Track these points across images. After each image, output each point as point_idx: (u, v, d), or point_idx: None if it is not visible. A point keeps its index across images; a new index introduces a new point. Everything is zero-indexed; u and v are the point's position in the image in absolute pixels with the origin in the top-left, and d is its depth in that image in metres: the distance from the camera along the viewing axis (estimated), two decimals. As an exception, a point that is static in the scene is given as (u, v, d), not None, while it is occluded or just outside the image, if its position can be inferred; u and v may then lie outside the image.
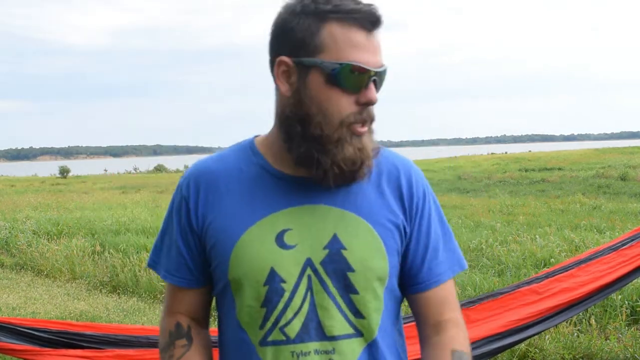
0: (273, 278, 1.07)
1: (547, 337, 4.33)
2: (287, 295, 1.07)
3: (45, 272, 7.92)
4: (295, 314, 1.07)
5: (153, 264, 1.23)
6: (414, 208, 1.14)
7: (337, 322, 1.08)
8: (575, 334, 4.45)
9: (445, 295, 1.18)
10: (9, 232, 10.13)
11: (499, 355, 4.27)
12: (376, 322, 1.10)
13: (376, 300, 1.10)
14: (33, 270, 8.16)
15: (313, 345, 1.07)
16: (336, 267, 1.07)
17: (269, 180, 1.12)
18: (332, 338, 1.07)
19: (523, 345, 4.22)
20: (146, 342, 2.32)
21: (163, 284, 6.71)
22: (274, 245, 1.08)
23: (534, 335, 2.82)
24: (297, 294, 1.07)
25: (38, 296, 6.82)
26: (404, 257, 1.16)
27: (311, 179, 1.09)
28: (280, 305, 1.07)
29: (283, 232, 1.08)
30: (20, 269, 8.32)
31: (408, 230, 1.14)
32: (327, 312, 1.07)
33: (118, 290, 6.90)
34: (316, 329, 1.07)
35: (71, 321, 2.33)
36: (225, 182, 1.13)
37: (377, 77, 1.04)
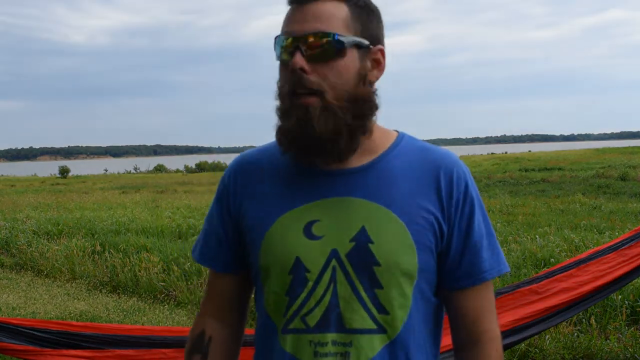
0: (298, 267, 1.08)
1: (547, 337, 4.33)
2: (310, 284, 1.08)
3: (45, 272, 7.92)
4: (317, 304, 1.08)
5: (195, 254, 1.29)
6: (453, 205, 1.10)
7: (359, 315, 1.07)
8: (575, 334, 4.45)
9: (484, 302, 1.14)
10: (9, 232, 10.13)
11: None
12: (401, 319, 1.08)
13: (402, 297, 1.07)
14: (33, 270, 8.16)
15: (331, 336, 1.07)
16: (362, 260, 1.06)
17: (303, 172, 1.13)
18: (352, 331, 1.07)
19: (523, 345, 4.22)
20: (145, 343, 2.32)
21: (163, 283, 6.71)
22: (301, 235, 1.09)
23: (533, 335, 2.82)
24: (320, 284, 1.08)
25: (38, 296, 6.82)
26: (445, 256, 1.12)
27: (344, 172, 1.10)
28: (303, 295, 1.08)
29: (311, 223, 1.09)
30: (20, 269, 8.32)
31: (445, 228, 1.10)
32: (349, 304, 1.07)
33: (118, 290, 6.91)
34: (336, 321, 1.07)
35: (71, 321, 2.32)
36: (263, 173, 1.17)
37: (299, 43, 1.04)
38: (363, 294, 1.07)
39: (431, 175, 1.10)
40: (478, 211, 1.12)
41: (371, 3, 1.13)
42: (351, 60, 1.06)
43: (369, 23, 1.10)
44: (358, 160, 1.11)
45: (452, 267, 1.12)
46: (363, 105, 1.08)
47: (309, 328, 1.08)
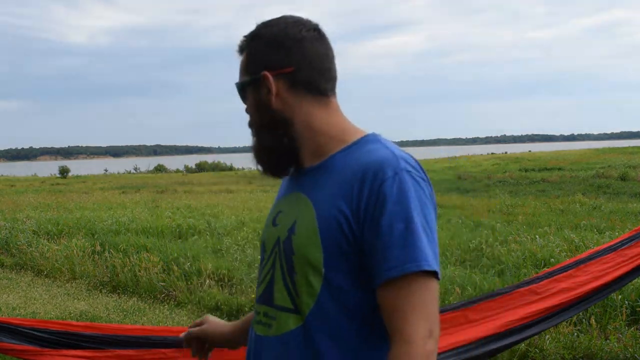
0: (263, 249, 1.34)
1: (547, 337, 4.33)
2: (264, 264, 1.32)
3: (45, 272, 7.91)
4: (263, 280, 1.31)
5: None
6: (363, 206, 1.15)
7: (282, 295, 1.24)
8: (575, 334, 4.45)
9: (398, 300, 1.11)
10: (9, 232, 10.12)
11: (498, 355, 4.27)
12: (307, 304, 1.20)
13: (308, 285, 1.19)
14: (33, 270, 8.16)
15: (264, 308, 1.29)
16: (287, 249, 1.24)
17: (295, 171, 1.35)
18: (276, 307, 1.25)
19: (523, 345, 4.22)
20: (145, 342, 2.31)
21: (163, 283, 6.71)
22: (270, 223, 1.34)
23: (533, 335, 2.82)
24: (267, 265, 1.30)
25: (38, 296, 6.81)
26: (362, 255, 1.16)
27: (304, 171, 1.30)
28: (260, 272, 1.33)
29: (278, 213, 1.33)
30: (20, 269, 8.31)
31: (355, 227, 1.16)
32: (277, 284, 1.26)
33: (118, 290, 6.90)
34: (269, 296, 1.28)
35: (71, 321, 2.32)
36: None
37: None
38: (287, 277, 1.24)
39: (354, 177, 1.18)
40: (392, 209, 1.12)
41: (259, 30, 1.29)
42: (252, 97, 1.30)
43: (256, 55, 1.28)
44: (315, 161, 1.28)
45: (368, 266, 1.16)
46: (270, 128, 1.29)
47: (257, 299, 1.33)
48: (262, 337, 1.27)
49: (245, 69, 1.30)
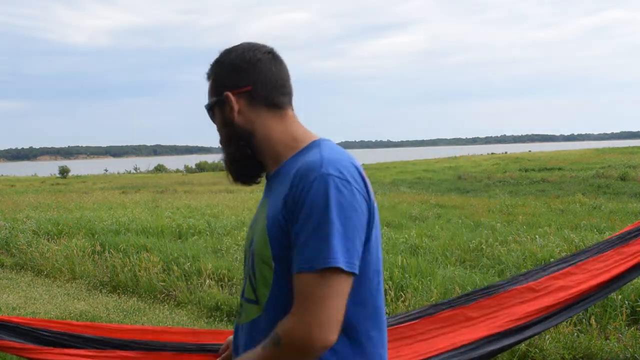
0: (245, 250, 1.52)
1: (547, 337, 4.33)
2: (244, 264, 1.53)
3: (45, 272, 7.91)
4: (243, 276, 1.55)
5: None
6: (290, 207, 1.31)
7: (248, 288, 1.46)
8: (575, 334, 4.45)
9: (299, 288, 1.28)
10: (9, 232, 10.12)
11: (498, 355, 4.27)
12: (264, 295, 1.40)
13: (264, 278, 1.39)
14: (33, 270, 8.15)
15: (240, 301, 1.52)
16: (251, 249, 1.44)
17: None
18: (245, 299, 1.47)
19: (523, 345, 4.22)
20: (146, 346, 2.31)
21: (163, 283, 6.71)
22: (249, 227, 1.54)
23: (534, 335, 2.81)
24: (245, 262, 1.51)
25: (38, 296, 6.81)
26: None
27: (268, 175, 1.50)
28: (243, 270, 1.54)
29: (254, 217, 1.51)
30: (20, 269, 8.31)
31: (285, 227, 1.33)
32: (247, 279, 1.47)
33: (118, 290, 6.90)
34: (243, 289, 1.50)
35: (72, 321, 2.34)
36: None
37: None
38: (250, 273, 1.44)
39: (289, 180, 1.34)
40: (309, 211, 1.28)
41: (221, 57, 1.48)
42: (219, 116, 1.49)
43: (219, 79, 1.48)
44: (275, 167, 1.46)
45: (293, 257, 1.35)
46: (235, 141, 1.47)
47: (240, 293, 1.54)
48: (237, 325, 1.51)
49: (212, 92, 1.50)
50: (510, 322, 2.62)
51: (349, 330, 1.35)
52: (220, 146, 1.53)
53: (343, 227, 1.26)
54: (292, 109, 1.49)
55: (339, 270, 1.25)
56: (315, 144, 1.41)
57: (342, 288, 1.27)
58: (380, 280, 1.44)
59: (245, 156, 1.47)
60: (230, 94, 1.45)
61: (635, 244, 2.91)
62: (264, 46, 1.48)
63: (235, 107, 1.45)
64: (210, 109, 1.51)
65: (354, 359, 1.36)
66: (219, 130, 1.52)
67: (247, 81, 1.44)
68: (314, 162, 1.32)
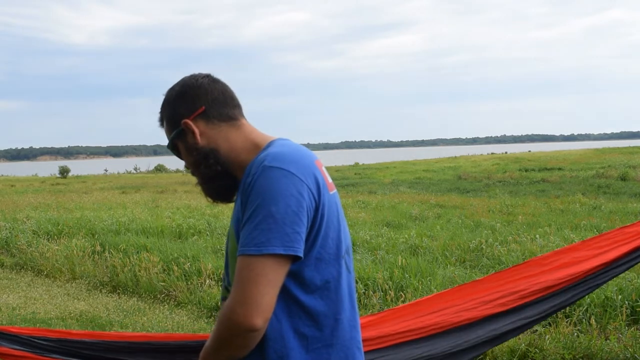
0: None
1: (547, 337, 4.34)
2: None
3: (45, 272, 7.91)
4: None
5: None
6: (244, 202, 1.40)
7: (224, 283, 1.56)
8: (575, 334, 4.45)
9: (235, 271, 1.37)
10: (9, 232, 10.12)
11: (498, 354, 4.27)
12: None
13: (233, 273, 1.41)
14: (33, 270, 8.15)
15: (221, 300, 1.57)
16: (226, 248, 1.55)
17: None
18: (222, 297, 1.55)
19: (523, 345, 4.23)
20: (147, 348, 2.31)
21: (163, 283, 6.71)
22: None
23: (543, 317, 2.82)
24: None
25: (38, 296, 6.81)
26: None
27: None
28: None
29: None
30: (20, 269, 8.31)
31: (243, 221, 1.40)
32: (225, 277, 1.56)
33: (118, 290, 6.90)
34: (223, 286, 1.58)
35: (71, 330, 2.35)
36: None
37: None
38: (225, 269, 1.56)
39: (244, 180, 1.43)
40: (251, 200, 1.37)
41: (165, 96, 1.58)
42: (183, 146, 1.56)
43: (172, 115, 1.55)
44: (242, 174, 1.50)
45: None
46: (204, 162, 1.53)
47: None
48: None
49: (169, 129, 1.57)
50: (516, 299, 2.70)
51: (314, 314, 1.42)
52: (192, 174, 1.60)
53: (280, 214, 1.33)
54: (245, 118, 1.59)
55: (269, 256, 1.32)
56: (270, 144, 1.50)
57: (271, 271, 1.33)
58: (346, 264, 1.51)
59: (217, 173, 1.54)
60: (188, 121, 1.53)
61: (638, 225, 2.97)
62: (200, 73, 1.58)
63: (196, 130, 1.53)
64: (173, 146, 1.58)
65: (322, 342, 1.42)
66: (186, 160, 1.58)
67: (198, 103, 1.53)
68: (261, 158, 1.42)
